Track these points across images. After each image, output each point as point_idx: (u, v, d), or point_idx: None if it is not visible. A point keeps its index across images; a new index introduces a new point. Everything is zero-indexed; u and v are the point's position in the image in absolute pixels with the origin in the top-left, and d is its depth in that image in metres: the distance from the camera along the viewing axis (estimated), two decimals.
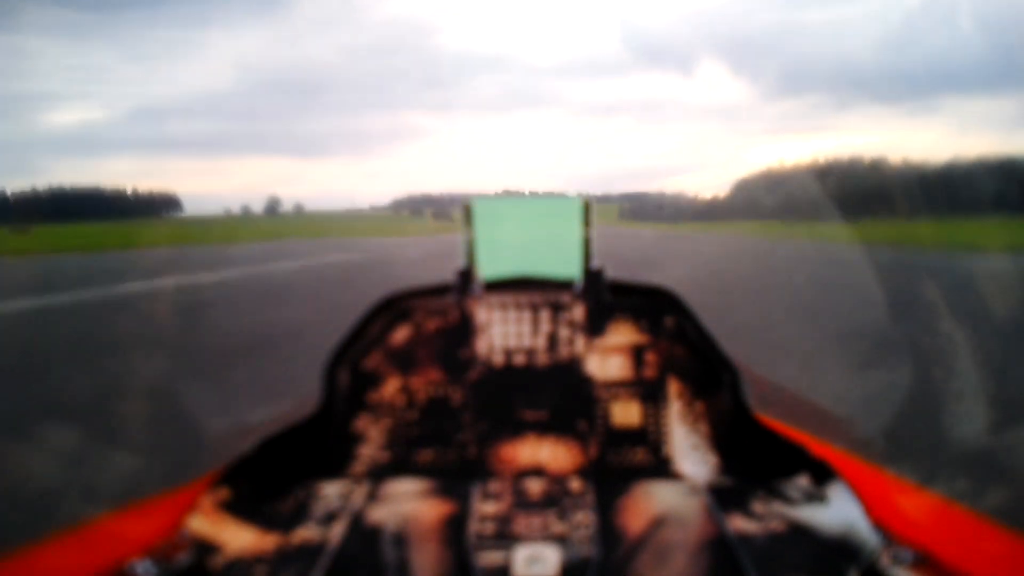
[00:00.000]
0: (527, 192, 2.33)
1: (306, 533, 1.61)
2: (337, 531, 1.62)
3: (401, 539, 1.58)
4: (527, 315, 2.18)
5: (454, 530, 1.60)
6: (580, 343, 2.16)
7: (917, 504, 1.68)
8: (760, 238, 39.21)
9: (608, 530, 1.58)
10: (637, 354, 2.14)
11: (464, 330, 2.19)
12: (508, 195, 2.31)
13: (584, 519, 1.61)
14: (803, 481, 1.73)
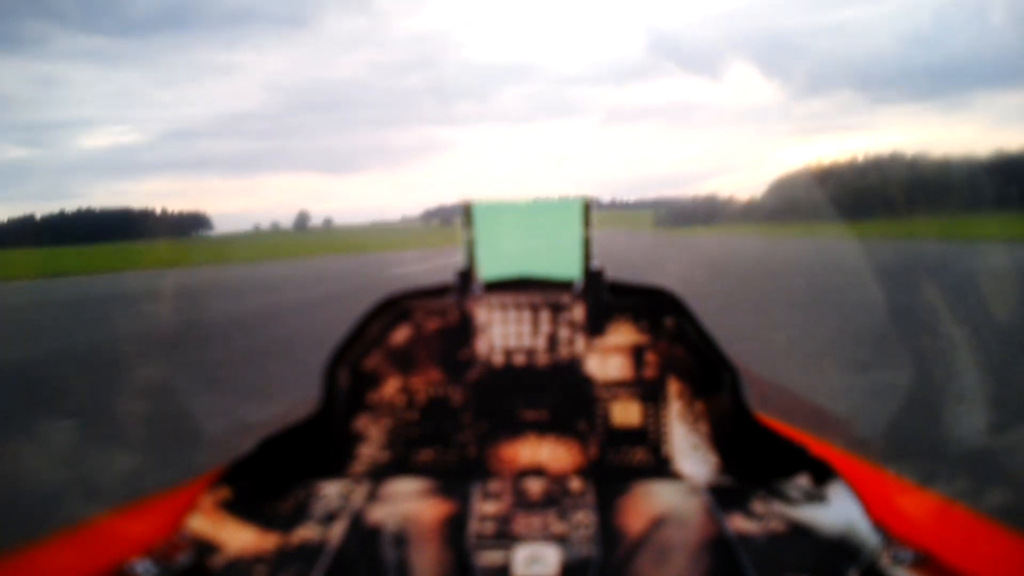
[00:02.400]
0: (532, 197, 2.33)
1: (306, 533, 1.61)
2: (337, 531, 1.62)
3: (401, 539, 1.58)
4: (527, 315, 2.19)
5: (454, 530, 1.60)
6: (580, 343, 2.16)
7: (917, 504, 1.67)
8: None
9: (608, 530, 1.58)
10: (637, 354, 2.14)
11: (464, 330, 2.20)
12: (508, 198, 2.32)
13: (584, 519, 1.61)
14: (803, 481, 1.72)
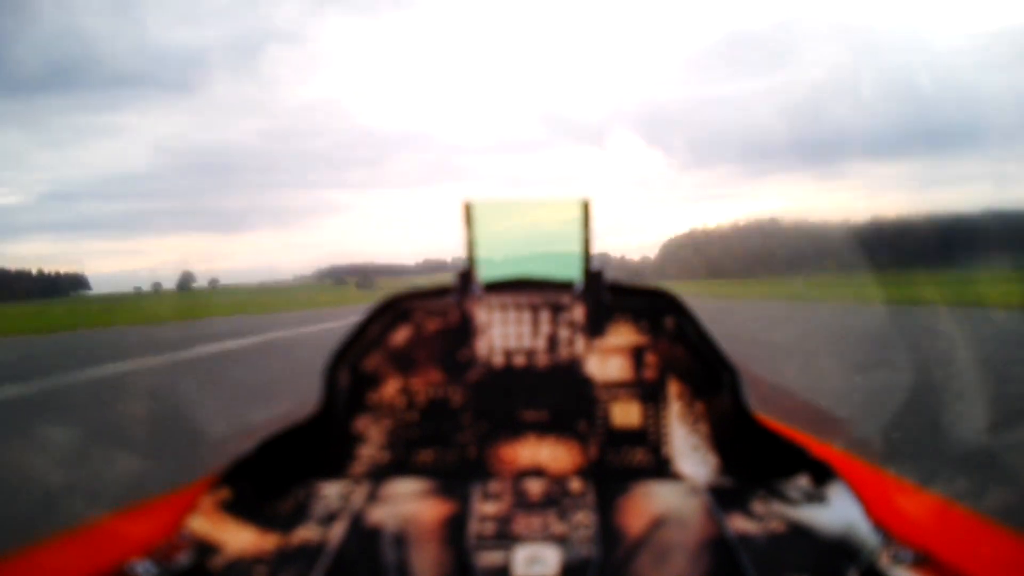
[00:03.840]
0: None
1: (306, 533, 1.61)
2: (337, 531, 1.61)
3: (401, 539, 1.58)
4: (527, 316, 2.19)
5: (454, 530, 1.60)
6: (580, 344, 2.17)
7: (917, 504, 1.68)
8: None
9: (608, 530, 1.58)
10: (637, 355, 2.15)
11: (464, 331, 2.19)
12: (507, 198, 2.33)
13: (584, 519, 1.61)
14: (803, 481, 1.73)
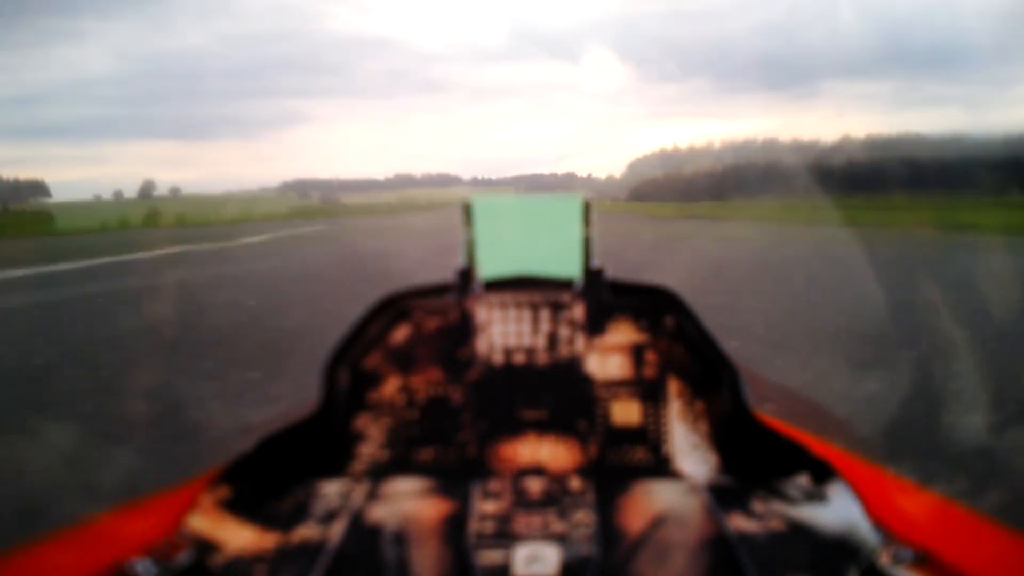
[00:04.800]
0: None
1: (306, 532, 1.61)
2: (337, 530, 1.62)
3: (401, 538, 1.58)
4: (527, 314, 2.18)
5: (454, 529, 1.60)
6: (580, 342, 2.16)
7: (917, 504, 1.69)
8: None
9: (608, 529, 1.59)
10: (637, 353, 2.14)
11: (464, 329, 2.19)
12: (507, 196, 2.29)
13: (584, 518, 1.61)
14: (803, 480, 1.73)
